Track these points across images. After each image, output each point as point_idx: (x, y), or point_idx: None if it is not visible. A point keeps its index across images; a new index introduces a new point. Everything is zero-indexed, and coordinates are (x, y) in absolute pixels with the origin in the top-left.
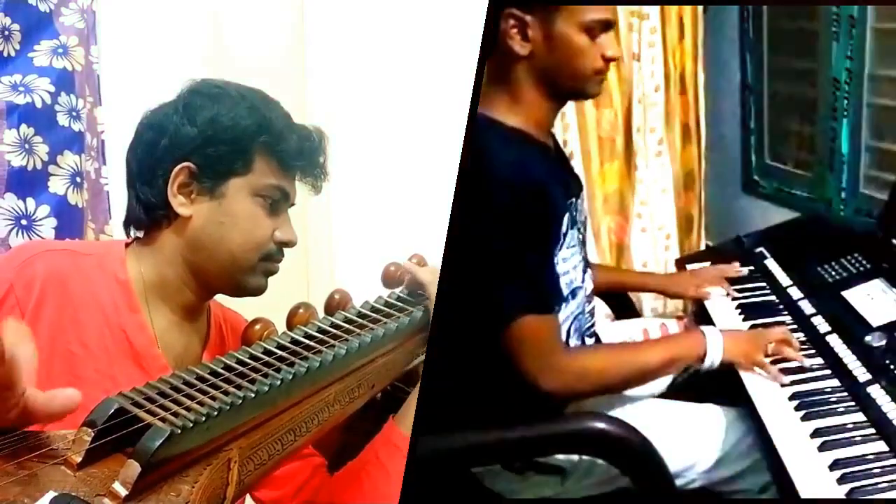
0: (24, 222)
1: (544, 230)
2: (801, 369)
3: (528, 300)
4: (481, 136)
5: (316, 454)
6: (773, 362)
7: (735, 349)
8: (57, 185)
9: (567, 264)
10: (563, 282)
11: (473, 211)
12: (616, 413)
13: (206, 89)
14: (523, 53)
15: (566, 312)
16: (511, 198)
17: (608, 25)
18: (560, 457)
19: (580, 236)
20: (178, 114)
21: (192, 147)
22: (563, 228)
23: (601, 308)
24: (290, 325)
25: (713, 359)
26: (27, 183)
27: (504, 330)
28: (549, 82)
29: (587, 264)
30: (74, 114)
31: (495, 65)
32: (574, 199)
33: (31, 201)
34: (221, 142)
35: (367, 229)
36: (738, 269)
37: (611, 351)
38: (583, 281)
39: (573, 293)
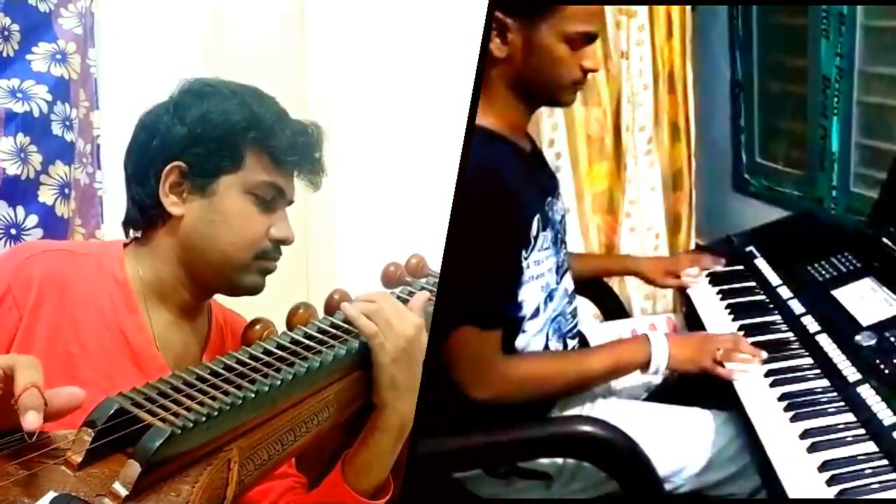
0: (13, 231)
1: (506, 235)
2: (792, 369)
3: (474, 312)
4: None
5: (295, 474)
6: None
7: (681, 355)
8: (46, 195)
9: (540, 267)
10: (538, 285)
11: (451, 213)
12: (603, 416)
13: (197, 88)
14: (500, 56)
15: (544, 317)
16: (472, 202)
17: (591, 38)
18: (545, 461)
19: (556, 237)
20: (168, 114)
21: (183, 146)
22: (534, 231)
23: (590, 308)
24: (290, 325)
25: (658, 365)
26: (19, 192)
27: (447, 336)
28: (524, 87)
29: (566, 265)
30: (68, 123)
31: None
32: (549, 198)
33: (20, 210)
34: (210, 139)
35: (368, 229)
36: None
37: (552, 359)
38: (558, 282)
39: (549, 296)
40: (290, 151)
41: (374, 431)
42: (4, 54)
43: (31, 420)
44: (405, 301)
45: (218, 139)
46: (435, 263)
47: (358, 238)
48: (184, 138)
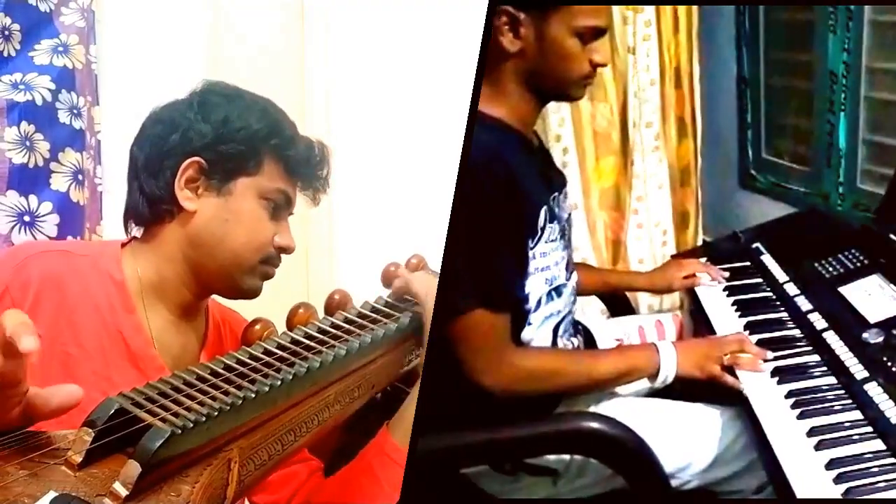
0: (26, 219)
1: (513, 221)
2: (798, 366)
3: (484, 293)
4: None
5: (312, 458)
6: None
7: (688, 363)
8: (59, 182)
9: (546, 259)
10: (543, 277)
11: (454, 202)
12: (609, 412)
13: (221, 90)
14: (513, 50)
15: (550, 310)
16: (479, 185)
17: (601, 32)
18: (551, 458)
19: (563, 232)
20: (192, 110)
21: (204, 143)
22: (541, 221)
23: (596, 305)
24: (290, 325)
25: (667, 374)
26: (29, 180)
27: (454, 321)
28: (534, 81)
29: (572, 263)
30: (75, 111)
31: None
32: (556, 194)
33: (33, 198)
34: (234, 140)
35: (368, 229)
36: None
37: (562, 356)
38: (567, 279)
39: (557, 290)
40: (305, 163)
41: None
42: (6, 54)
43: (30, 343)
44: (411, 302)
45: (241, 141)
46: (435, 263)
47: (358, 238)
48: (206, 135)
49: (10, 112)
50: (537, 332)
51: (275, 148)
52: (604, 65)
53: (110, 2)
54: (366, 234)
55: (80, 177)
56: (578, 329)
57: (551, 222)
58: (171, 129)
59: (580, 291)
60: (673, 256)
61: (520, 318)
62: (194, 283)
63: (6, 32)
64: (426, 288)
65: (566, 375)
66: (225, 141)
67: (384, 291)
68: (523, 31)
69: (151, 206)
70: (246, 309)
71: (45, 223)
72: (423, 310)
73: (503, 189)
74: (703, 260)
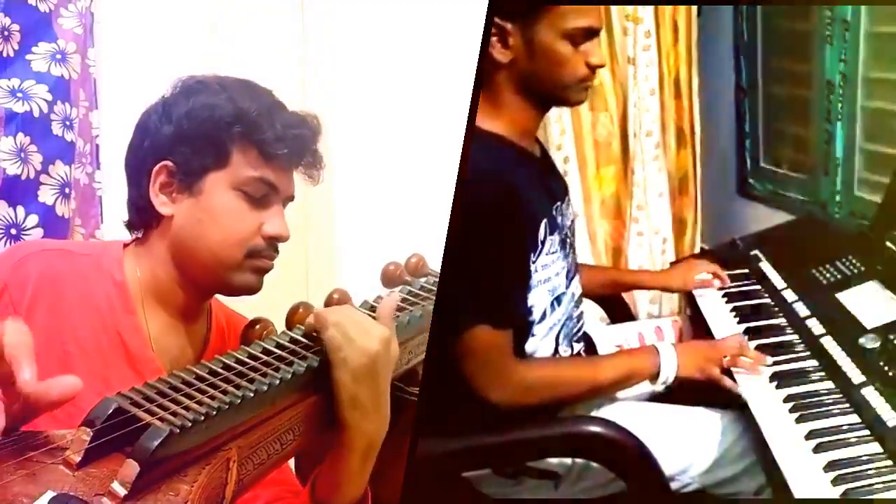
0: (13, 231)
1: (513, 239)
2: (797, 371)
3: (486, 311)
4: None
5: (285, 482)
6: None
7: (688, 364)
8: (46, 194)
9: (548, 271)
10: (545, 289)
11: (452, 215)
12: (610, 415)
13: (187, 85)
14: (504, 61)
15: (552, 320)
16: (478, 205)
17: (592, 33)
18: (553, 461)
19: (565, 240)
20: (157, 113)
21: (171, 145)
22: (541, 235)
23: (596, 311)
24: (290, 324)
25: (667, 375)
26: (19, 192)
27: (457, 337)
28: (531, 89)
29: (575, 269)
30: (68, 123)
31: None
32: (559, 204)
33: (20, 210)
34: (195, 137)
35: (368, 229)
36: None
37: (563, 365)
38: (568, 286)
39: (558, 300)
40: (279, 145)
41: (341, 450)
42: (4, 54)
43: (27, 376)
44: (411, 301)
45: (202, 136)
46: (435, 263)
47: (358, 238)
48: (171, 137)
49: (9, 123)
50: (541, 343)
51: (241, 135)
52: (600, 66)
53: (109, 3)
54: (366, 234)
55: (66, 190)
56: (581, 336)
57: (551, 234)
58: (143, 135)
59: (588, 293)
60: (672, 264)
61: (523, 330)
62: (187, 285)
63: (5, 33)
64: (343, 328)
65: (569, 385)
66: (186, 139)
67: (384, 291)
68: (512, 41)
69: (139, 215)
70: (246, 309)
71: (29, 236)
72: (332, 354)
73: (502, 208)
74: None
